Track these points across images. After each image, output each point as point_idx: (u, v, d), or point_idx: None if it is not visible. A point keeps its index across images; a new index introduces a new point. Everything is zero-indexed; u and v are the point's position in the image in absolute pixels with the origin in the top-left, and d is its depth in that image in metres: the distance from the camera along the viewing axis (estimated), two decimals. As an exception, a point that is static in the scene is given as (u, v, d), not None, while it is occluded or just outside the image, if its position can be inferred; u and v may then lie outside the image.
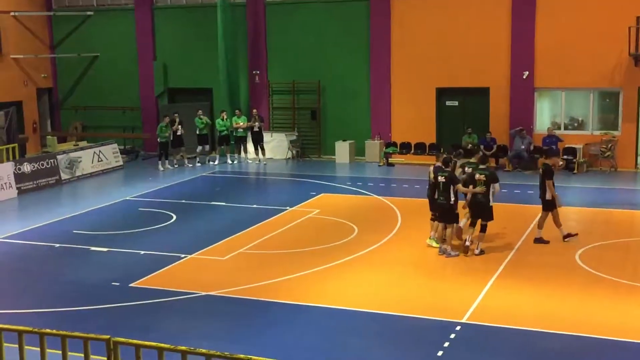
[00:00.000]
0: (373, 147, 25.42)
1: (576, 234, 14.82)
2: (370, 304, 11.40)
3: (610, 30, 22.47)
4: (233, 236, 15.59)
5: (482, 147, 22.85)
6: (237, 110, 25.81)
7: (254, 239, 15.30)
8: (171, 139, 24.68)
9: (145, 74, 28.64)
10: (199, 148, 25.33)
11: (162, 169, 24.30)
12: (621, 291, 11.72)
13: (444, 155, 14.33)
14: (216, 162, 25.37)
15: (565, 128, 24.12)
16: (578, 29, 22.98)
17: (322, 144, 26.81)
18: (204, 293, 12.01)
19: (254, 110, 25.76)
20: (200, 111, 25.40)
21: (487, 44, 24.08)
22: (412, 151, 24.76)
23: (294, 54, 26.77)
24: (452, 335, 10.05)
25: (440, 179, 13.81)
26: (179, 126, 24.68)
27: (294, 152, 26.53)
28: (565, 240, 14.57)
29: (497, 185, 13.83)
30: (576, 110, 24.40)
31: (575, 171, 22.60)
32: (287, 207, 18.22)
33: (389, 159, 24.83)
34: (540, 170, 14.83)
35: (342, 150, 25.60)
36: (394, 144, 25.23)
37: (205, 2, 27.84)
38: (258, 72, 27.27)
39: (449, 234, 13.89)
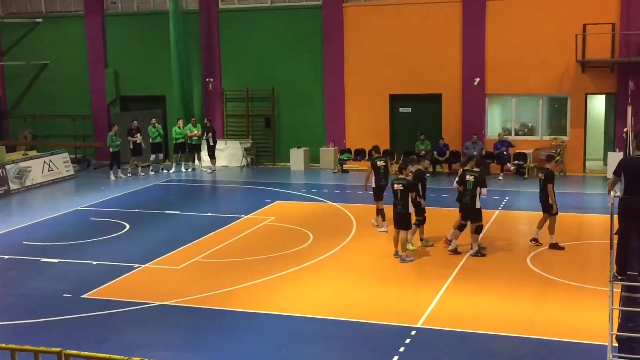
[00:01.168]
0: (327, 153, 25.51)
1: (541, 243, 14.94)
2: (326, 311, 11.43)
3: (558, 37, 22.98)
4: (188, 245, 15.47)
5: (435, 152, 23.12)
6: (192, 118, 25.65)
7: (208, 248, 15.20)
8: (131, 147, 24.42)
9: (97, 81, 28.28)
10: (153, 157, 25.08)
11: (113, 178, 23.97)
12: (571, 293, 11.96)
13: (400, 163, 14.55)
14: (172, 171, 25.14)
15: (516, 133, 24.57)
16: (527, 36, 23.45)
17: (276, 151, 26.80)
18: (158, 303, 11.89)
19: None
20: (153, 120, 25.18)
21: (439, 51, 24.39)
22: (367, 157, 24.87)
23: (247, 61, 26.73)
24: (408, 340, 10.13)
25: (398, 187, 13.96)
26: (138, 134, 24.43)
27: (249, 159, 26.46)
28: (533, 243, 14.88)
29: (484, 190, 14.11)
30: (526, 116, 24.88)
31: (525, 176, 23.00)
32: (242, 215, 18.16)
33: (344, 166, 24.94)
34: (542, 175, 15.03)
35: (297, 157, 25.63)
36: (348, 151, 25.37)
37: (157, 9, 27.63)
38: (211, 79, 27.15)
39: (403, 239, 14.03)
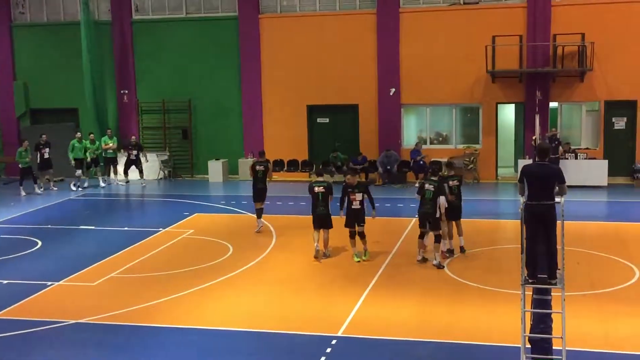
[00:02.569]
0: (246, 165, 25.37)
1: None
2: (247, 323, 11.36)
3: (469, 49, 23.67)
4: (103, 260, 15.11)
5: (351, 163, 23.42)
6: (107, 130, 25.11)
7: (126, 263, 14.89)
8: (38, 161, 23.64)
9: (5, 94, 27.37)
10: (78, 172, 24.16)
11: (24, 194, 23.15)
12: (487, 297, 12.27)
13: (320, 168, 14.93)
14: (86, 185, 24.48)
15: (431, 142, 25.12)
16: (440, 47, 24.06)
17: (194, 163, 26.54)
18: (73, 321, 11.55)
19: (133, 137, 25.06)
20: (78, 134, 24.50)
21: (355, 62, 24.73)
22: (285, 168, 24.98)
23: (163, 73, 26.40)
24: (328, 350, 10.17)
25: (319, 189, 14.76)
26: (47, 148, 23.70)
27: (166, 172, 26.10)
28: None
29: (442, 198, 14.13)
30: (440, 126, 25.48)
31: (441, 184, 23.46)
32: (160, 229, 17.88)
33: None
34: (457, 182, 14.98)
35: (215, 169, 25.45)
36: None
37: (69, 20, 26.97)
38: (126, 91, 26.68)
39: (326, 238, 14.88)
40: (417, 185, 14.70)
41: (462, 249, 15.04)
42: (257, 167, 17.28)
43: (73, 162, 23.98)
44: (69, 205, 21.79)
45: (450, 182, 14.76)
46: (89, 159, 24.38)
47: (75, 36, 25.87)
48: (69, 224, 18.82)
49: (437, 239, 14.19)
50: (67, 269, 14.48)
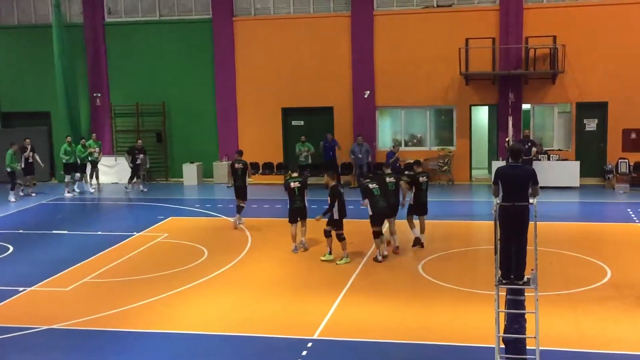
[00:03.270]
0: (221, 168, 25.33)
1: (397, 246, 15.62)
2: (222, 327, 11.32)
3: (443, 51, 23.79)
4: (77, 265, 14.97)
5: (322, 143, 23.44)
6: (93, 134, 24.75)
7: (99, 267, 14.76)
8: (22, 166, 23.28)
9: (-25, 97, 27.02)
10: (70, 176, 23.75)
11: (13, 199, 22.66)
12: (462, 298, 12.34)
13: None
14: (77, 190, 24.06)
15: (406, 144, 25.22)
16: (414, 49, 24.17)
17: (169, 166, 26.40)
18: (46, 327, 11.41)
19: (139, 141, 24.65)
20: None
21: (330, 64, 24.77)
22: (260, 171, 24.91)
23: (136, 75, 26.24)
24: (304, 353, 10.16)
25: (295, 184, 15.53)
26: (31, 153, 23.33)
27: (140, 175, 25.87)
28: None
29: (365, 201, 14.75)
30: (415, 128, 25.60)
31: (415, 186, 23.56)
32: (134, 233, 17.75)
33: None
34: (425, 178, 16.22)
35: (190, 172, 25.34)
36: (242, 165, 25.23)
37: (40, 22, 26.72)
38: (99, 94, 26.47)
39: (304, 229, 15.71)
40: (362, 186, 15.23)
41: (421, 244, 15.79)
42: (236, 165, 18.25)
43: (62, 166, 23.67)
44: (40, 210, 21.56)
45: (421, 179, 16.02)
46: (79, 163, 24.03)
47: (47, 39, 25.60)
48: (41, 228, 18.62)
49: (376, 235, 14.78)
50: (39, 274, 14.32)
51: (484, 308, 11.27)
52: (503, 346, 8.96)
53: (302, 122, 25.63)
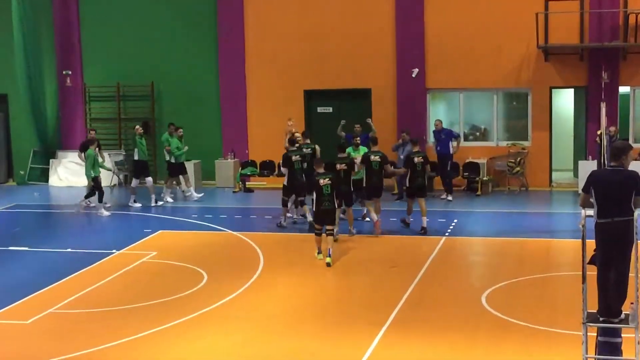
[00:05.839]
0: (225, 168, 25.45)
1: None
2: (226, 373, 11.35)
3: (514, 18, 23.68)
4: (40, 291, 15.08)
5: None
6: (171, 126, 24.08)
7: (68, 295, 14.86)
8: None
9: None
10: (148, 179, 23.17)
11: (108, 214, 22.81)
12: (537, 339, 12.22)
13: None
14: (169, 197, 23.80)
15: (466, 138, 25.10)
16: (477, 17, 24.09)
17: (158, 165, 26.51)
18: (-1, 371, 11.54)
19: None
20: (139, 128, 23.29)
21: (367, 36, 24.79)
22: (276, 172, 24.90)
23: (118, 49, 26.47)
24: (332, 407, 10.15)
25: (325, 181, 16.59)
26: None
27: (121, 177, 26.09)
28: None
29: (387, 166, 18.98)
30: (478, 117, 25.50)
31: (478, 192, 23.53)
32: (114, 250, 17.88)
33: (247, 183, 24.91)
34: (421, 158, 19.08)
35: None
36: (253, 164, 25.35)
37: (-5, -21, 27.08)
38: (70, 72, 26.74)
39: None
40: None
41: (424, 230, 18.53)
42: (294, 158, 19.32)
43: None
44: (-5, 220, 21.83)
45: (416, 159, 18.79)
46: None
47: (4, 4, 25.92)
48: (-5, 244, 18.85)
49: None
50: (-8, 302, 14.47)
51: (567, 352, 11.17)
52: (593, 402, 8.87)
53: (330, 109, 25.65)
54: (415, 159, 18.84)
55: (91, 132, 23.62)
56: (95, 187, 21.76)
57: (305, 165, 19.65)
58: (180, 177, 23.59)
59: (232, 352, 12.16)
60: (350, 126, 22.61)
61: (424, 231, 18.51)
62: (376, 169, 18.58)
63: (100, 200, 21.83)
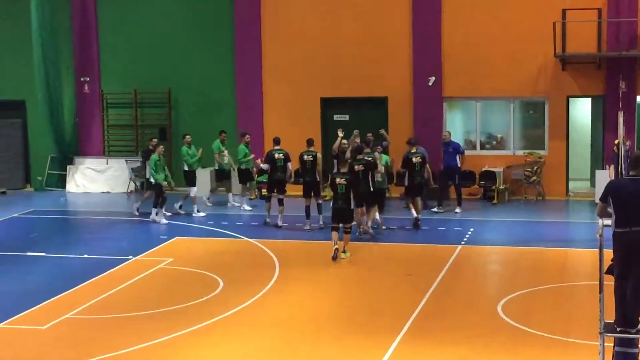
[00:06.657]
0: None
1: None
2: (241, 380, 11.35)
3: (532, 26, 23.61)
4: (56, 297, 15.13)
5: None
6: (223, 134, 24.12)
7: (84, 301, 14.90)
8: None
9: None
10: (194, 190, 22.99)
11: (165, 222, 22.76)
12: (553, 349, 12.18)
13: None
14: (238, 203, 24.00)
15: (482, 147, 25.06)
16: (494, 25, 24.03)
17: (174, 171, 26.56)
18: (16, 375, 11.58)
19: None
20: (188, 137, 23.24)
21: (384, 44, 24.79)
22: (293, 179, 24.88)
23: (135, 57, 26.57)
24: (347, 416, 10.13)
25: (341, 180, 17.35)
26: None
27: (138, 183, 26.15)
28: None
29: (380, 168, 19.42)
30: (494, 126, 25.45)
31: (494, 201, 23.48)
32: (130, 257, 17.93)
33: (262, 190, 24.89)
34: (419, 159, 20.23)
35: (202, 179, 25.43)
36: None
37: (15, -13, 27.24)
38: (87, 79, 26.84)
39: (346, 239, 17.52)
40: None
41: (416, 223, 19.84)
42: (305, 157, 20.54)
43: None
44: (13, 225, 21.90)
45: (414, 159, 20.00)
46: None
47: (23, 11, 26.07)
48: (11, 249, 18.91)
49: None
50: (8, 308, 14.50)
51: (584, 363, 11.13)
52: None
53: (346, 117, 25.64)
54: (414, 159, 20.13)
55: (152, 140, 23.55)
56: (157, 193, 21.74)
57: (286, 163, 21.35)
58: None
59: (250, 358, 12.16)
60: (363, 135, 22.54)
61: (416, 226, 19.88)
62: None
63: (161, 206, 21.79)
